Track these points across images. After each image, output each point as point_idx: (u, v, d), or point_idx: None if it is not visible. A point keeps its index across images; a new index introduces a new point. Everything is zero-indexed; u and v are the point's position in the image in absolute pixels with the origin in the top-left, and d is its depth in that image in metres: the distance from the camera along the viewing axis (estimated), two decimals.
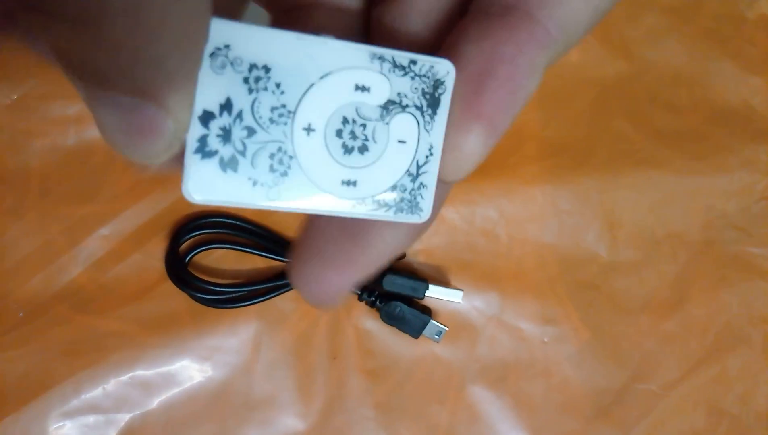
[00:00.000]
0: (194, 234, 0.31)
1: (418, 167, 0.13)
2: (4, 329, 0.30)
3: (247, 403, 0.32)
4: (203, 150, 0.11)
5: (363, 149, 0.13)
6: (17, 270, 0.31)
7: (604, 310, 0.34)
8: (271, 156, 0.12)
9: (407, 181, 0.13)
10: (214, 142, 0.11)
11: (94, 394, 0.30)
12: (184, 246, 0.32)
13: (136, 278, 0.31)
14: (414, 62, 0.13)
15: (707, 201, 0.35)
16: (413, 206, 0.14)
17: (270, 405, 0.32)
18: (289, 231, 0.33)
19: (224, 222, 0.32)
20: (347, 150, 0.13)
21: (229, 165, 0.12)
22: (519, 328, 0.33)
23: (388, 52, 0.12)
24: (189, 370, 0.31)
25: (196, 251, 0.31)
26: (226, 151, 0.11)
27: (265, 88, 0.12)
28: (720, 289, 0.34)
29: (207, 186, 0.11)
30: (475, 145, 0.12)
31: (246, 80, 0.11)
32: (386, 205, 0.13)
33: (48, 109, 0.31)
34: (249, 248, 0.32)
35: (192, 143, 0.11)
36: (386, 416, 0.32)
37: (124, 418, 0.31)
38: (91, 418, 0.30)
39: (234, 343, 0.32)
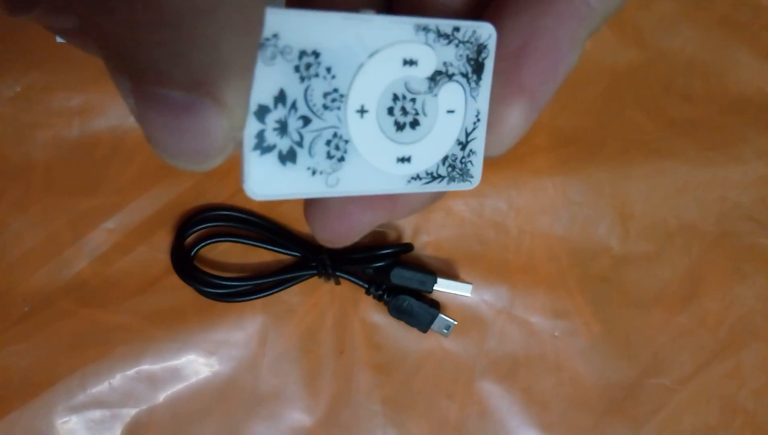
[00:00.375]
0: (200, 227, 0.31)
1: (467, 135, 0.13)
2: (9, 323, 0.30)
3: (254, 397, 0.31)
4: (261, 146, 0.11)
5: (414, 124, 0.13)
6: (22, 263, 0.30)
7: (616, 304, 0.33)
8: (327, 142, 0.12)
9: (457, 150, 0.13)
10: (271, 137, 0.11)
11: (100, 388, 0.30)
12: (189, 239, 0.31)
13: (141, 271, 0.31)
14: (457, 29, 0.13)
15: (722, 192, 0.34)
16: (464, 174, 0.14)
17: (277, 399, 0.31)
18: (296, 224, 0.32)
19: (230, 215, 0.31)
20: (399, 127, 0.13)
21: (288, 157, 0.11)
22: (529, 321, 0.33)
23: (432, 22, 0.12)
24: (195, 365, 0.31)
25: (202, 244, 0.31)
26: (283, 143, 0.11)
27: (317, 75, 0.11)
28: (734, 282, 0.34)
29: (268, 182, 0.11)
30: (517, 119, 0.12)
31: (297, 68, 0.11)
32: (439, 177, 0.13)
33: (51, 101, 0.31)
34: (255, 241, 0.31)
35: (249, 140, 0.11)
36: (394, 411, 0.32)
37: (130, 412, 0.30)
38: (97, 413, 0.30)
39: (240, 337, 0.31)
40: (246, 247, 0.32)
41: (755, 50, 0.34)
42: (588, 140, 0.33)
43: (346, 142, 0.12)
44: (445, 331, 0.32)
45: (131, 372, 0.31)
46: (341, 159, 0.12)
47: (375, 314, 0.32)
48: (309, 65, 0.11)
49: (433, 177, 0.13)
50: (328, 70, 0.11)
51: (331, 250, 0.31)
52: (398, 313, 0.31)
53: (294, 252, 0.31)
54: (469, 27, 0.13)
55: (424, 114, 0.13)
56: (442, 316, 0.31)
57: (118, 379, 0.30)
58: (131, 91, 0.09)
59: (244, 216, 0.31)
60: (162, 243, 0.31)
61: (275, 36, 0.11)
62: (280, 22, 0.11)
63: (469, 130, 0.13)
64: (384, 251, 0.31)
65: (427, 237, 0.33)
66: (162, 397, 0.31)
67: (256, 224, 0.32)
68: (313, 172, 0.12)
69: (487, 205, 0.33)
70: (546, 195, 0.33)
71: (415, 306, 0.31)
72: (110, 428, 0.30)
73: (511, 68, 0.12)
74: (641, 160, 0.34)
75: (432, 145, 0.13)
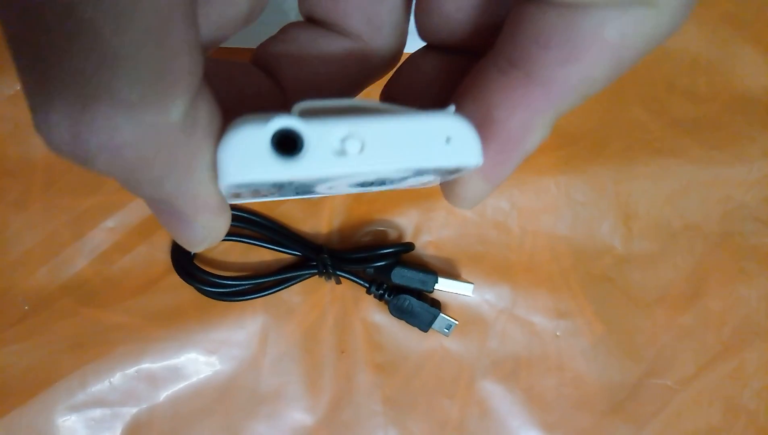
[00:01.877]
0: None
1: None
2: (10, 322, 0.30)
3: (255, 396, 0.31)
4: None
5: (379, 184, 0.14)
6: (22, 262, 0.30)
7: (619, 304, 0.33)
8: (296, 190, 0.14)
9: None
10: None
11: (101, 387, 0.30)
12: None
13: (141, 271, 0.31)
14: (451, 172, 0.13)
15: (726, 191, 0.34)
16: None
17: (277, 399, 0.31)
18: (297, 223, 0.32)
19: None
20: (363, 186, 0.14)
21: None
22: (531, 321, 0.33)
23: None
24: (196, 364, 0.31)
25: None
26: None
27: (283, 187, 0.13)
28: (738, 283, 0.34)
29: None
30: (473, 193, 0.13)
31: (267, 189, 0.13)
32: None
33: None
34: (255, 241, 0.31)
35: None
36: (395, 411, 0.32)
37: (130, 411, 0.30)
38: (97, 412, 0.30)
39: (241, 337, 0.31)
40: (246, 246, 0.32)
41: (760, 47, 0.34)
42: (591, 139, 0.33)
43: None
44: (446, 330, 0.32)
45: (131, 371, 0.31)
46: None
47: (376, 314, 0.32)
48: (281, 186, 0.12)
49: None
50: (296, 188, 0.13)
51: (331, 249, 0.31)
52: (399, 312, 0.31)
53: (294, 251, 0.31)
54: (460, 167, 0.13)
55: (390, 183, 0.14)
56: (443, 315, 0.31)
57: (118, 378, 0.30)
58: (146, 203, 0.12)
59: (244, 215, 0.31)
60: (162, 242, 0.31)
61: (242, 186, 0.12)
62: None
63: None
64: (385, 251, 0.31)
65: (428, 236, 0.33)
66: (162, 396, 0.31)
67: (257, 223, 0.31)
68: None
69: (489, 204, 0.33)
70: (548, 194, 0.33)
71: (416, 305, 0.31)
72: (111, 427, 0.30)
73: None
74: (644, 160, 0.33)
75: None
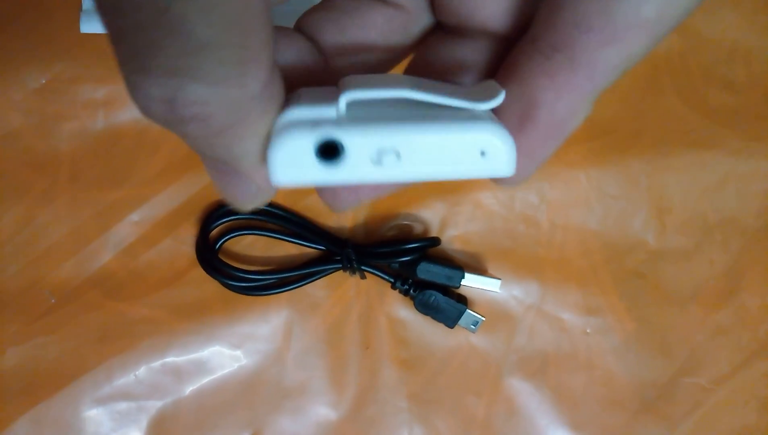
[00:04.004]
0: (224, 220, 0.31)
1: None
2: (36, 315, 0.30)
3: (279, 391, 0.31)
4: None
5: None
6: (48, 256, 0.31)
7: (651, 300, 0.32)
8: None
9: None
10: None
11: (126, 380, 0.30)
12: (214, 232, 0.31)
13: (166, 264, 0.31)
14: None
15: (765, 185, 0.33)
16: None
17: (302, 393, 0.31)
18: (321, 217, 0.32)
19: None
20: None
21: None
22: (560, 318, 0.32)
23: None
24: (221, 358, 0.31)
25: (227, 238, 0.31)
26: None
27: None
28: None
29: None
30: (519, 174, 0.14)
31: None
32: None
33: (77, 93, 0.31)
34: (280, 235, 0.31)
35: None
36: (420, 407, 0.31)
37: (155, 405, 0.31)
38: (123, 405, 0.30)
39: (265, 331, 0.31)
40: (270, 240, 0.31)
41: None
42: (624, 131, 0.32)
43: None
44: (472, 326, 0.31)
45: (157, 364, 0.31)
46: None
47: (401, 309, 0.32)
48: None
49: None
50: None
51: (356, 243, 0.31)
52: (425, 308, 0.31)
53: (319, 245, 0.31)
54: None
55: None
56: (469, 311, 0.31)
57: (143, 372, 0.31)
58: (204, 163, 0.14)
59: (268, 209, 0.31)
60: (187, 235, 0.31)
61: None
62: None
63: None
64: (410, 245, 0.30)
65: (454, 231, 0.32)
66: (187, 390, 0.31)
67: (281, 217, 0.31)
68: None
69: (517, 198, 0.32)
70: (579, 187, 0.32)
71: (442, 301, 0.31)
72: (136, 420, 0.30)
73: (513, 132, 0.13)
74: (680, 151, 0.32)
75: None
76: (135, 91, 0.11)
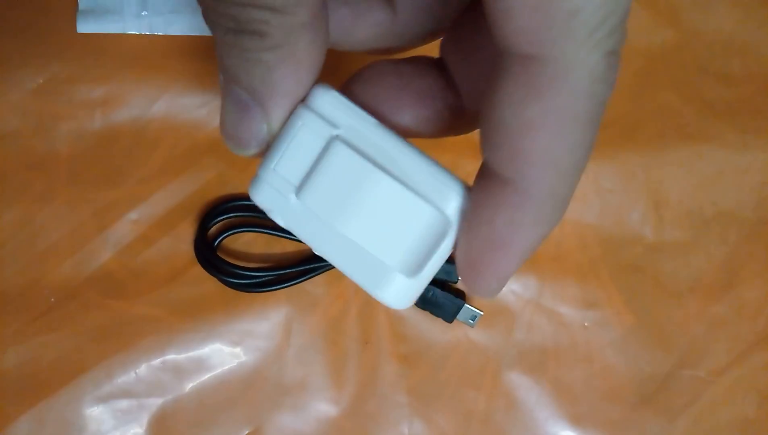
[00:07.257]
0: (223, 217, 0.31)
1: None
2: (36, 314, 0.30)
3: (279, 387, 0.31)
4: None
5: None
6: (47, 255, 0.31)
7: (649, 294, 0.32)
8: None
9: None
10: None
11: (127, 378, 0.31)
12: (212, 230, 0.31)
13: (165, 263, 0.31)
14: None
15: (761, 177, 0.33)
16: None
17: (302, 390, 0.31)
18: None
19: (253, 205, 0.31)
20: None
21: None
22: (558, 312, 0.32)
23: None
24: (220, 355, 0.31)
25: (225, 235, 0.31)
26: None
27: None
28: None
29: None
30: (486, 292, 0.15)
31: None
32: None
33: (74, 93, 0.31)
34: (278, 231, 0.31)
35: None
36: (420, 402, 0.32)
37: (156, 402, 0.31)
38: (124, 403, 0.31)
39: (265, 328, 0.31)
40: (269, 237, 0.32)
41: None
42: (620, 124, 0.32)
43: None
44: (471, 321, 0.31)
45: (157, 362, 0.31)
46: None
47: None
48: None
49: None
50: None
51: None
52: (423, 303, 0.31)
53: None
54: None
55: None
56: (467, 306, 0.31)
57: (143, 370, 0.31)
58: (221, 86, 0.15)
59: None
60: (185, 234, 0.31)
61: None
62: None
63: None
64: None
65: None
66: (187, 387, 0.31)
67: None
68: None
69: None
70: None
71: (440, 296, 0.31)
72: (137, 417, 0.31)
73: (475, 259, 0.15)
74: (676, 145, 0.33)
75: None
76: (209, 13, 0.13)
